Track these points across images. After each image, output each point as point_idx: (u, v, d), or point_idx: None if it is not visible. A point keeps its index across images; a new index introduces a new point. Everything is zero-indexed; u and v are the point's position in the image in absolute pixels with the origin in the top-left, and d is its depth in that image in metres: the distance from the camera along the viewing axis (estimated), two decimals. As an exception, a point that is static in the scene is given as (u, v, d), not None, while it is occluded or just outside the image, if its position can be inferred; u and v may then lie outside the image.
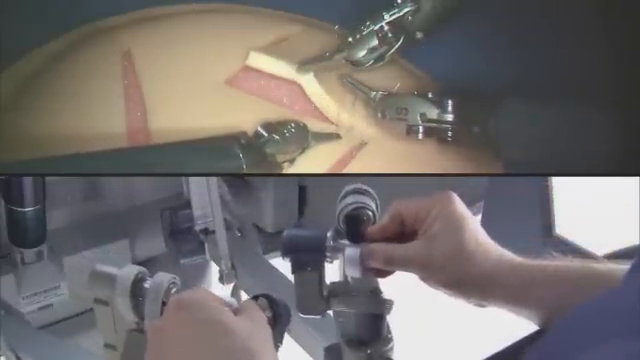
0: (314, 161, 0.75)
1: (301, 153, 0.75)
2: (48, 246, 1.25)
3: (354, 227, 0.59)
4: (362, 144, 0.78)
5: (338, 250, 0.58)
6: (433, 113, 0.74)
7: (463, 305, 0.56)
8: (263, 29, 0.86)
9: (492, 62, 0.81)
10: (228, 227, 1.27)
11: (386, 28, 0.76)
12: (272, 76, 0.80)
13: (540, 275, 0.54)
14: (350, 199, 0.60)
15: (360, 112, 0.78)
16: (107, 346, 0.63)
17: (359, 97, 0.78)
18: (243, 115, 0.76)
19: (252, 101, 0.78)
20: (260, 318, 0.51)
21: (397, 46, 0.77)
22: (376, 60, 0.78)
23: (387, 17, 0.76)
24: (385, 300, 0.60)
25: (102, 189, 1.38)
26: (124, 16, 0.85)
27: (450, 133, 0.74)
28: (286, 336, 0.55)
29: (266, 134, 0.73)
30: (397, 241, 0.57)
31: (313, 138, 0.75)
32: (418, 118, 0.74)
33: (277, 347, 0.53)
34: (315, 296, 0.58)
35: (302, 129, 0.75)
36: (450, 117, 0.73)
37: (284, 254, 0.59)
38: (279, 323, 0.54)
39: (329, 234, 0.59)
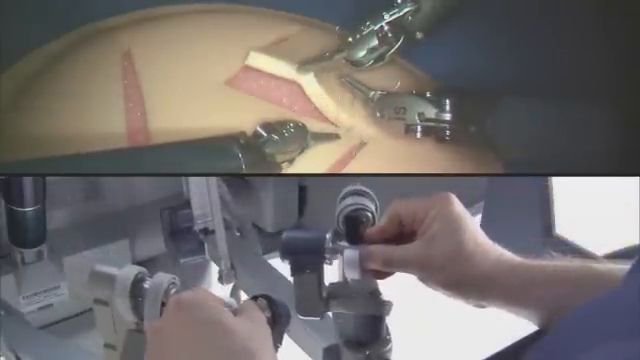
0: (314, 161, 0.76)
1: (300, 153, 0.75)
2: (48, 246, 1.25)
3: (353, 229, 0.59)
4: (362, 144, 0.78)
5: (337, 252, 0.58)
6: (431, 112, 0.74)
7: (462, 306, 0.56)
8: (263, 29, 0.86)
9: (492, 62, 0.81)
10: (227, 227, 1.27)
11: (386, 28, 0.76)
12: (272, 76, 0.80)
13: (539, 275, 0.54)
14: (349, 200, 0.60)
15: (359, 112, 0.79)
16: (107, 346, 0.63)
17: (358, 97, 0.78)
18: (243, 115, 0.76)
19: (252, 101, 0.78)
20: (259, 318, 0.51)
21: (397, 46, 0.77)
22: (376, 60, 0.78)
23: (387, 17, 0.76)
24: (384, 301, 0.59)
25: (102, 189, 1.38)
26: (124, 16, 0.85)
27: (448, 132, 0.74)
28: (285, 337, 0.55)
29: (265, 134, 0.73)
30: (396, 242, 0.57)
31: (312, 138, 0.75)
32: (416, 117, 0.75)
33: (276, 347, 0.53)
34: (314, 298, 0.58)
35: (301, 129, 0.75)
36: (448, 116, 0.73)
37: (283, 256, 0.59)
38: (278, 323, 0.54)
39: (328, 236, 0.59)
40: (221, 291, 1.24)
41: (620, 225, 1.12)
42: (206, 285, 1.50)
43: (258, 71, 0.80)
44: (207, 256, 1.27)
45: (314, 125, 0.77)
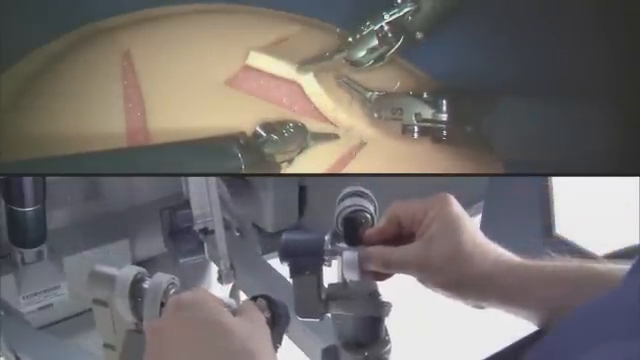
0: (313, 161, 0.75)
1: (300, 153, 0.75)
2: (48, 246, 1.25)
3: (352, 230, 0.59)
4: (361, 144, 0.78)
5: (336, 253, 0.58)
6: (428, 113, 0.74)
7: (462, 307, 0.56)
8: (263, 29, 0.86)
9: (492, 62, 0.81)
10: (227, 227, 1.27)
11: (386, 28, 0.76)
12: (272, 76, 0.80)
13: (538, 275, 0.54)
14: (348, 202, 0.60)
15: (357, 112, 0.78)
16: (106, 346, 0.63)
17: (355, 97, 0.79)
18: (242, 115, 0.76)
19: (251, 101, 0.78)
20: (259, 319, 0.51)
21: (397, 46, 0.77)
22: (376, 60, 0.78)
23: (387, 17, 0.76)
24: (383, 303, 0.59)
25: (102, 189, 1.38)
26: (124, 16, 0.85)
27: (445, 132, 0.74)
28: (284, 337, 0.55)
29: (265, 134, 0.73)
30: (395, 243, 0.57)
31: (312, 138, 0.75)
32: (413, 118, 0.75)
33: (276, 348, 0.53)
34: (314, 299, 0.58)
35: (301, 129, 0.75)
36: (444, 117, 0.73)
37: (282, 259, 0.59)
38: (278, 324, 0.54)
39: (327, 237, 0.59)
40: (221, 291, 1.24)
41: (620, 225, 1.12)
42: (206, 285, 1.50)
43: (258, 71, 0.80)
44: (207, 256, 1.27)
45: (314, 125, 0.77)
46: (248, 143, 0.72)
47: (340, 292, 0.60)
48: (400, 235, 0.58)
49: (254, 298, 0.55)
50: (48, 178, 1.20)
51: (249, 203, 1.43)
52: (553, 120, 0.69)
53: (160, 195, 1.40)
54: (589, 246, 1.15)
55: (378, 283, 0.60)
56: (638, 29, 0.68)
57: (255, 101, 0.79)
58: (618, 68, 0.70)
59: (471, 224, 0.56)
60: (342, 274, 0.58)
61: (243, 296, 1.22)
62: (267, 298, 0.55)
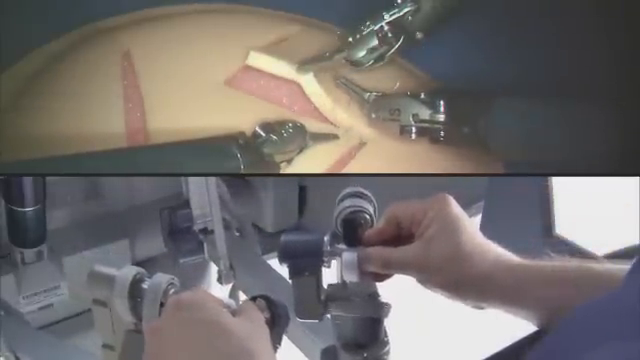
0: (313, 161, 0.75)
1: (299, 153, 0.75)
2: (48, 246, 1.26)
3: (351, 231, 0.59)
4: (361, 144, 0.78)
5: (335, 254, 0.58)
6: (425, 114, 0.74)
7: (461, 307, 0.56)
8: (263, 29, 0.86)
9: (492, 62, 0.80)
10: (227, 227, 1.27)
11: (386, 28, 0.76)
12: (272, 76, 0.80)
13: (537, 276, 0.54)
14: (348, 202, 0.60)
15: (356, 113, 0.78)
16: (105, 347, 0.63)
17: (354, 98, 0.78)
18: (242, 115, 0.76)
19: (251, 101, 0.78)
20: (258, 319, 0.51)
21: (397, 46, 0.77)
22: (376, 60, 0.78)
23: (387, 17, 0.76)
24: (383, 304, 0.59)
25: (102, 189, 1.39)
26: (124, 16, 0.85)
27: (442, 133, 0.74)
28: (284, 337, 0.55)
29: (264, 134, 0.73)
30: (394, 244, 0.57)
31: (311, 138, 0.75)
32: (410, 119, 0.75)
33: (275, 348, 0.53)
34: (313, 301, 0.58)
35: (300, 129, 0.75)
36: (442, 117, 0.73)
37: (282, 260, 0.59)
38: (277, 324, 0.54)
39: (326, 238, 0.59)
40: (220, 291, 1.24)
41: (620, 225, 1.12)
42: (205, 285, 1.50)
43: (258, 71, 0.80)
44: (206, 256, 1.27)
45: (314, 125, 0.77)
46: (247, 143, 0.72)
47: (339, 293, 0.60)
48: (399, 236, 0.58)
49: (253, 298, 0.55)
50: (48, 178, 1.20)
51: (249, 203, 1.43)
52: (553, 120, 0.69)
53: (160, 195, 1.41)
54: (589, 246, 1.15)
55: (377, 284, 0.60)
56: (638, 29, 0.68)
57: (255, 101, 0.79)
58: (618, 68, 0.70)
59: (470, 224, 0.56)
60: (341, 275, 0.58)
61: (243, 296, 1.22)
62: (266, 298, 0.55)
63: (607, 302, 0.43)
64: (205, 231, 1.25)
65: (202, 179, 1.21)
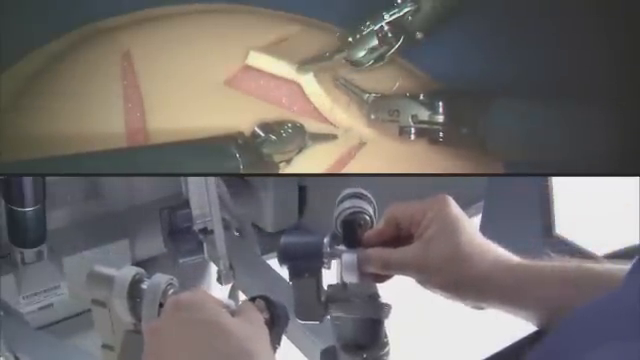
0: (313, 161, 0.75)
1: (298, 153, 0.75)
2: (48, 246, 1.26)
3: (351, 232, 0.59)
4: (361, 144, 0.78)
5: (335, 256, 0.58)
6: (424, 115, 0.74)
7: (461, 308, 0.56)
8: (263, 29, 0.86)
9: (492, 62, 0.80)
10: (226, 227, 1.27)
11: (386, 28, 0.76)
12: (272, 76, 0.80)
13: (537, 276, 0.54)
14: (347, 203, 0.60)
15: (355, 113, 0.78)
16: (104, 347, 0.63)
17: (353, 99, 0.78)
18: (241, 115, 0.76)
19: (250, 101, 0.78)
20: (258, 319, 0.51)
21: (397, 46, 0.77)
22: (376, 60, 0.78)
23: (387, 17, 0.76)
24: (383, 304, 0.59)
25: (102, 189, 1.39)
26: (124, 16, 0.85)
27: (441, 134, 0.74)
28: (283, 338, 0.55)
29: (263, 134, 0.73)
30: (394, 245, 0.57)
31: (310, 138, 0.75)
32: (409, 120, 0.75)
33: (275, 349, 0.53)
34: (313, 302, 0.58)
35: (299, 129, 0.75)
36: (441, 118, 0.73)
37: (281, 262, 0.59)
38: (277, 325, 0.54)
39: (326, 240, 0.59)
40: (220, 291, 1.24)
41: (620, 225, 1.12)
42: (205, 285, 1.50)
43: (258, 71, 0.80)
44: (206, 256, 1.27)
45: (313, 125, 0.77)
46: (246, 143, 0.72)
47: (339, 294, 0.60)
48: (399, 237, 0.58)
49: (253, 299, 0.55)
50: (48, 178, 1.20)
51: (249, 203, 1.43)
52: (553, 120, 0.69)
53: (160, 195, 1.41)
54: (589, 246, 1.15)
55: (377, 285, 0.60)
56: (638, 29, 0.68)
57: (254, 101, 0.79)
58: (618, 68, 0.70)
59: (470, 225, 0.56)
60: (341, 276, 0.58)
61: (242, 296, 1.22)
62: (266, 299, 0.55)
63: (607, 302, 0.43)
64: (205, 231, 1.25)
65: (202, 179, 1.21)
